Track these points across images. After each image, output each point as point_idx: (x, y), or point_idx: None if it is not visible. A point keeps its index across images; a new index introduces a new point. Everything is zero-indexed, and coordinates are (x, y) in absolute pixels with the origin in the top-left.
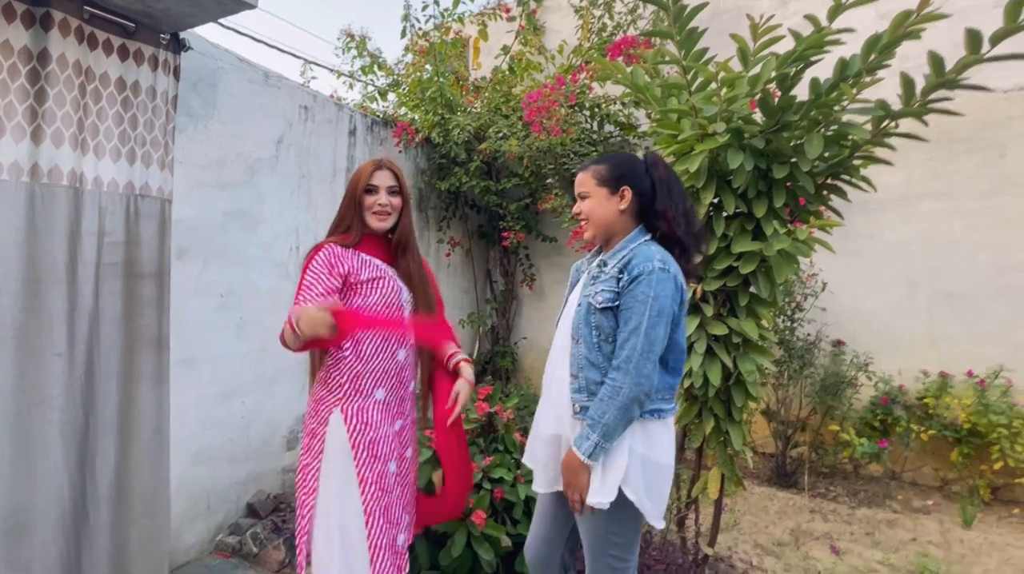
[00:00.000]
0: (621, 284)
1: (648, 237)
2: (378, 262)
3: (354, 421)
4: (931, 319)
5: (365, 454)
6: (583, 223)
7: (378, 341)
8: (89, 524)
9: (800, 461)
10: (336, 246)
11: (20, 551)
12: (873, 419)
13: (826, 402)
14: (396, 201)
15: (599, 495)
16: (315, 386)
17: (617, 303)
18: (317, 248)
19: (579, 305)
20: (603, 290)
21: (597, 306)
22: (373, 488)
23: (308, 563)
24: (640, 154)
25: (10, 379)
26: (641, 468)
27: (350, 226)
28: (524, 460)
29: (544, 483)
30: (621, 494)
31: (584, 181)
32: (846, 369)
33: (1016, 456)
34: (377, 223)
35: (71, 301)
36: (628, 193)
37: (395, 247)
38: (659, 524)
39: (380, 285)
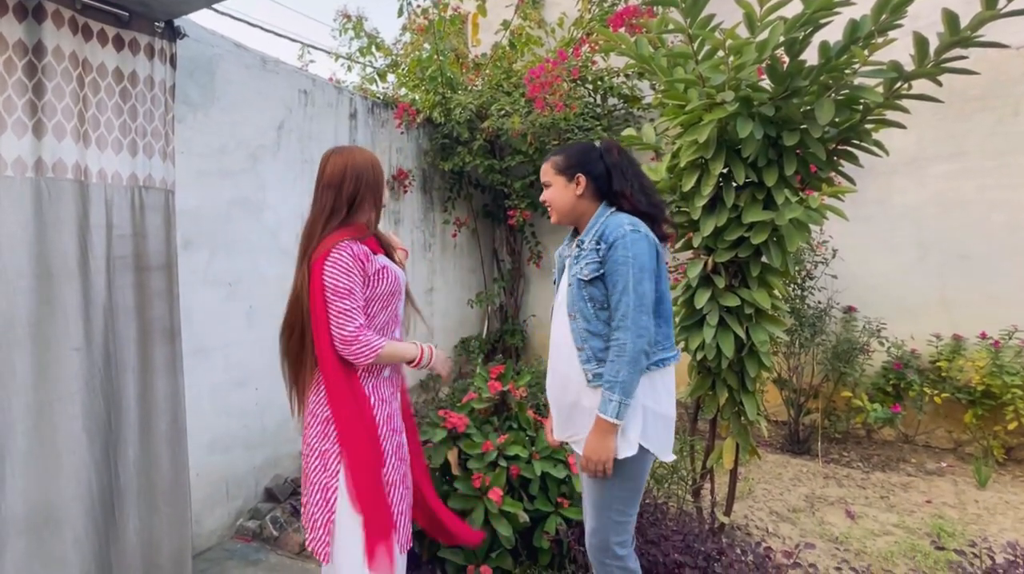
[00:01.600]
0: (601, 253)
1: (613, 210)
2: (372, 253)
3: (374, 399)
4: (943, 282)
5: (386, 429)
6: (549, 209)
7: (382, 327)
8: (117, 515)
9: (813, 428)
10: (352, 243)
11: (54, 545)
12: (886, 384)
13: (838, 369)
14: None
15: (623, 451)
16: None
17: (602, 271)
18: (333, 244)
19: (569, 285)
20: (587, 263)
21: (586, 279)
22: (393, 459)
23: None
24: (597, 142)
25: (30, 375)
26: (652, 420)
27: (360, 217)
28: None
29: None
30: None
31: (546, 171)
32: (858, 335)
33: None
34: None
35: (85, 295)
36: (583, 179)
37: (376, 232)
38: (669, 458)
39: (384, 275)
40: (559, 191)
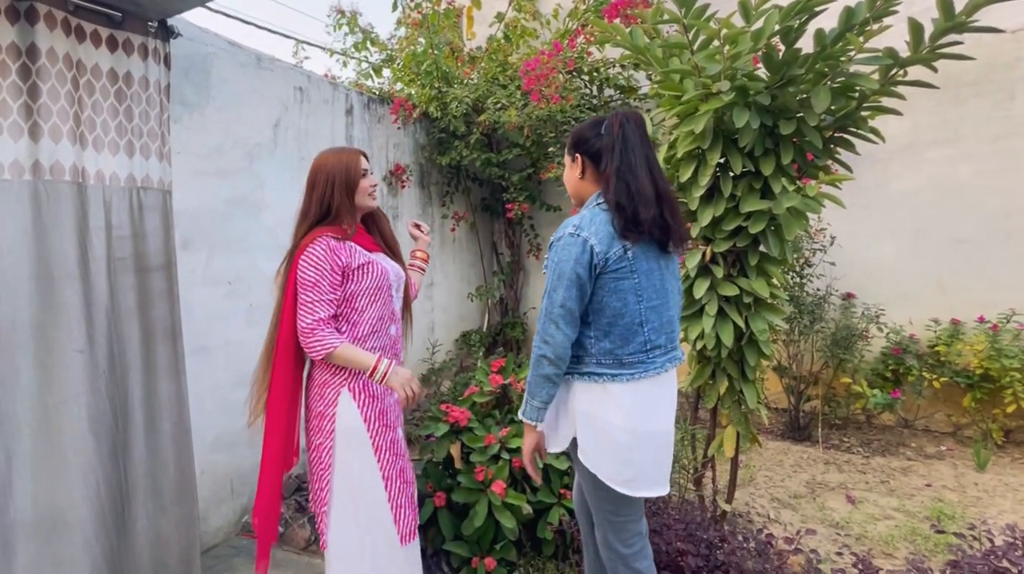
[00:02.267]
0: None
1: (596, 202)
2: (360, 248)
3: (363, 396)
4: (941, 267)
5: (378, 424)
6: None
7: (373, 321)
8: (126, 516)
9: (813, 414)
10: (329, 238)
11: (64, 547)
12: (885, 370)
13: (837, 355)
14: (376, 182)
15: (555, 445)
16: (315, 371)
17: None
18: (310, 239)
19: None
20: (546, 259)
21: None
22: (388, 454)
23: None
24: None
25: (34, 378)
26: (591, 430)
27: (341, 216)
28: None
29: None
30: (577, 448)
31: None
32: (857, 321)
33: None
34: (371, 202)
35: (86, 297)
36: (579, 158)
37: (379, 223)
38: (620, 489)
39: (369, 269)
40: (567, 172)
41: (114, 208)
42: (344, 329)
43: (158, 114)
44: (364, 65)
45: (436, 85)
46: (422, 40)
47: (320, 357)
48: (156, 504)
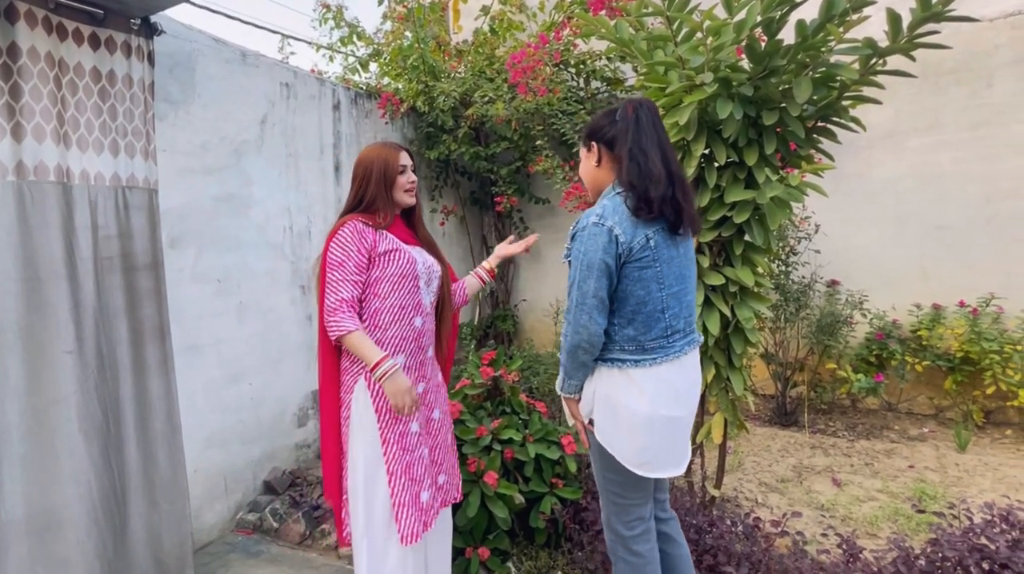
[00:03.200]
0: (570, 241)
1: (617, 191)
2: (392, 236)
3: (377, 386)
4: (922, 253)
5: (388, 416)
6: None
7: (395, 310)
8: (119, 515)
9: (799, 400)
10: (358, 222)
11: (57, 548)
12: (869, 355)
13: (823, 342)
14: (416, 179)
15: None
16: (341, 356)
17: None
18: (341, 223)
19: None
20: (566, 246)
21: (565, 261)
22: (395, 447)
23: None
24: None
25: (23, 380)
26: (610, 413)
27: (377, 207)
28: None
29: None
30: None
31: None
32: (841, 308)
33: (1007, 380)
34: (408, 199)
35: (74, 297)
36: (594, 147)
37: (416, 220)
38: (637, 470)
39: (396, 256)
40: (583, 164)
41: (100, 208)
42: (365, 315)
43: (142, 112)
44: (350, 60)
45: (423, 79)
46: (408, 34)
47: (334, 338)
48: (149, 502)
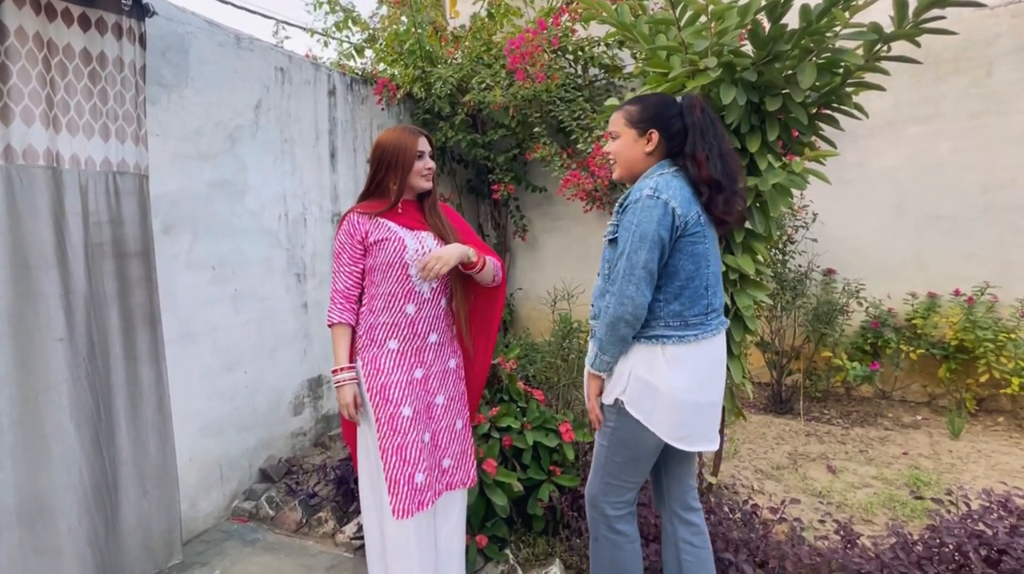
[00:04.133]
0: (617, 217)
1: (665, 170)
2: (391, 224)
3: (368, 367)
4: (919, 242)
5: (378, 398)
6: (612, 161)
7: (386, 297)
8: (110, 503)
9: (795, 388)
10: (355, 214)
11: (48, 536)
12: (864, 343)
13: (819, 330)
14: (434, 164)
15: (607, 397)
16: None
17: (617, 234)
18: (346, 215)
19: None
20: (610, 223)
21: (607, 238)
22: (386, 428)
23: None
24: (679, 97)
25: (13, 368)
26: (643, 390)
27: (389, 191)
28: None
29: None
30: (622, 416)
31: (616, 120)
32: (838, 297)
33: (1001, 368)
34: (425, 184)
35: (64, 284)
36: (655, 136)
37: (429, 207)
38: (677, 444)
39: (385, 245)
40: (627, 145)
41: (90, 193)
42: (364, 300)
43: (133, 96)
44: (346, 45)
45: (420, 65)
46: (404, 19)
47: (327, 325)
48: (139, 489)
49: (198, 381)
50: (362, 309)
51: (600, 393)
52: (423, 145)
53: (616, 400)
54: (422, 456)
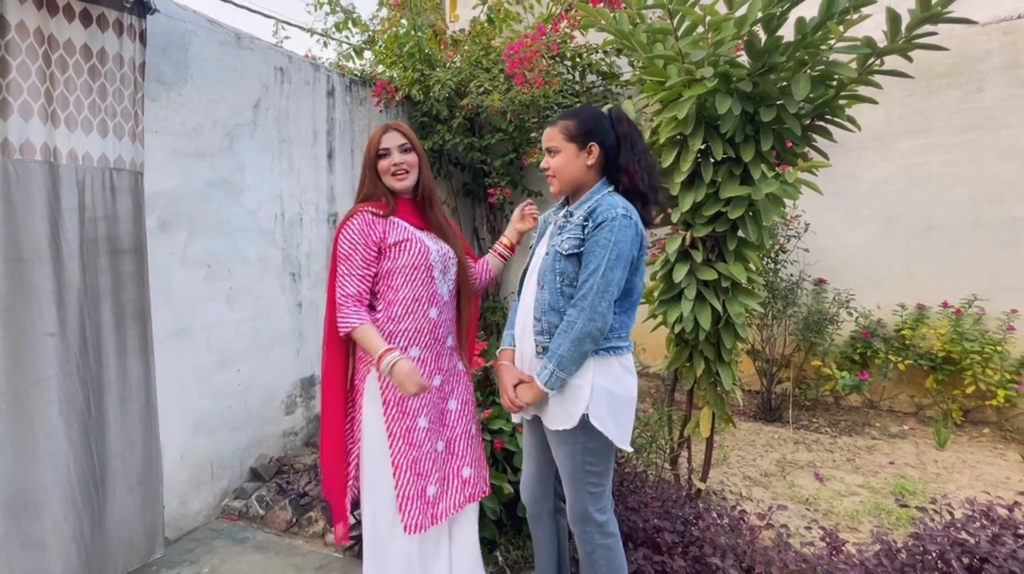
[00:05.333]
0: (586, 231)
1: (611, 189)
2: (405, 224)
3: (386, 378)
4: (909, 254)
5: (395, 410)
6: (550, 178)
7: (408, 302)
8: (97, 499)
9: (784, 396)
10: (368, 213)
11: (33, 529)
12: (853, 353)
13: (809, 339)
14: (411, 158)
15: (561, 423)
16: (351, 351)
17: (582, 249)
18: (350, 215)
19: (547, 254)
20: (569, 237)
21: (564, 252)
22: (401, 442)
23: (355, 506)
24: (605, 109)
25: (2, 362)
26: (606, 401)
27: (376, 194)
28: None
29: (517, 416)
30: (589, 430)
31: (552, 136)
32: (828, 306)
33: (987, 379)
34: (398, 183)
35: (58, 279)
36: (596, 149)
37: (421, 203)
38: (627, 448)
39: (407, 247)
40: (568, 159)
41: (87, 189)
42: (380, 307)
43: (132, 93)
44: (345, 46)
45: (419, 68)
46: (404, 22)
47: (343, 332)
48: (125, 484)
49: (191, 378)
50: (378, 316)
51: (533, 401)
52: (388, 141)
53: (582, 417)
54: (435, 467)
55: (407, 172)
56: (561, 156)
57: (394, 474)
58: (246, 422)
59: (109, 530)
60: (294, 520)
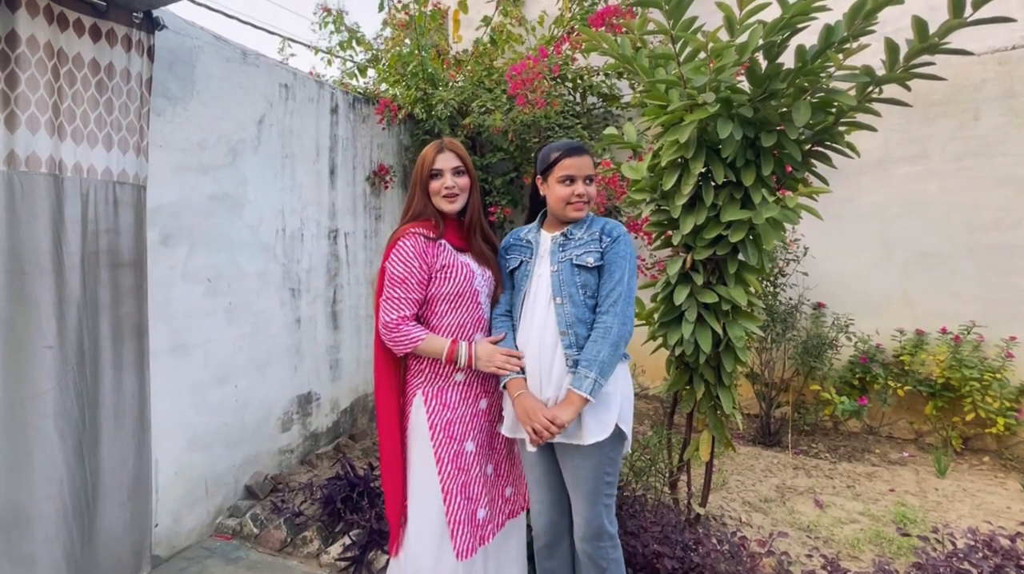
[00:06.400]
0: (604, 245)
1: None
2: (451, 248)
3: (433, 402)
4: (907, 279)
5: (441, 435)
6: (583, 204)
7: (453, 328)
8: (88, 514)
9: (783, 421)
10: (419, 235)
11: (23, 545)
12: (852, 378)
13: (808, 363)
14: (463, 181)
15: (596, 435)
16: (405, 371)
17: (602, 263)
18: (401, 234)
19: (555, 271)
20: (590, 251)
21: (589, 265)
22: (450, 467)
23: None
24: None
25: (0, 374)
26: (628, 406)
27: (426, 214)
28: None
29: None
30: (616, 437)
31: (590, 166)
32: (827, 331)
33: (986, 407)
34: (448, 206)
35: (58, 292)
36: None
37: (468, 228)
38: (629, 447)
39: (451, 272)
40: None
41: (91, 202)
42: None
43: (138, 107)
44: (349, 64)
45: (422, 86)
46: (408, 41)
47: (408, 350)
48: (115, 499)
49: (188, 394)
50: (427, 331)
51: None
52: (442, 162)
53: (616, 427)
54: (484, 490)
55: (458, 195)
56: (593, 186)
57: (444, 499)
58: (242, 439)
59: (98, 546)
60: (288, 540)
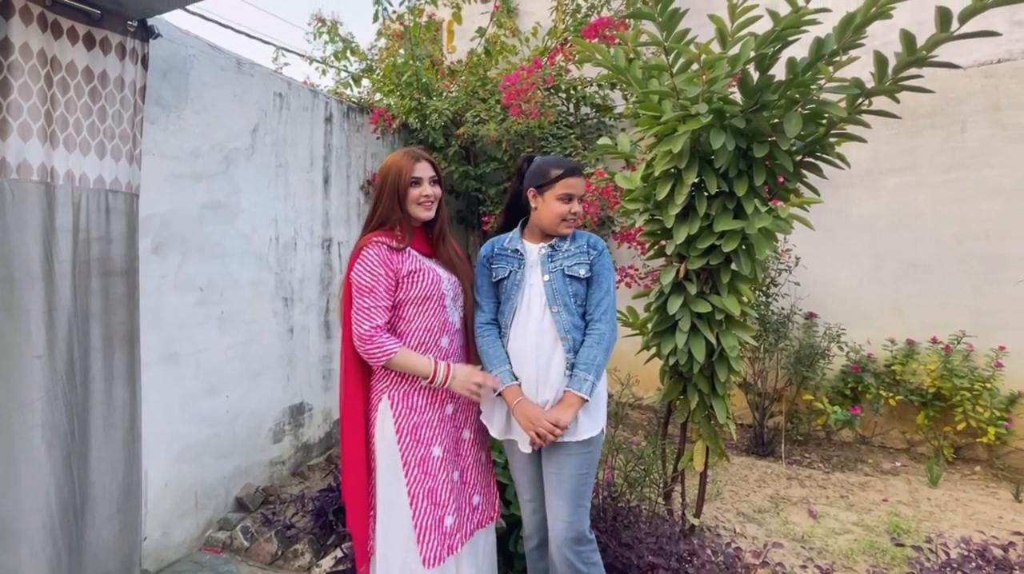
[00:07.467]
0: (591, 258)
1: None
2: (416, 253)
3: (400, 406)
4: (897, 289)
5: (408, 439)
6: (574, 222)
7: (421, 332)
8: (76, 528)
9: (776, 431)
10: (381, 244)
11: (8, 559)
12: (844, 387)
13: (800, 373)
14: (437, 191)
15: (588, 431)
16: (372, 375)
17: (591, 274)
18: (364, 244)
19: (547, 280)
20: (581, 263)
21: (580, 276)
22: (416, 471)
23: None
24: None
25: None
26: (606, 405)
27: (392, 221)
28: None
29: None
30: (598, 439)
31: (583, 186)
32: (819, 340)
33: (977, 417)
34: (424, 213)
35: (48, 301)
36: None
37: (436, 236)
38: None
39: (419, 277)
40: (535, 205)
41: (82, 210)
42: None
43: (131, 116)
44: (343, 74)
45: (416, 96)
46: (403, 52)
47: (381, 363)
48: (105, 513)
49: (178, 404)
50: (401, 343)
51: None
52: (421, 171)
53: (601, 428)
54: (451, 497)
55: (433, 203)
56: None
57: (411, 504)
58: (232, 450)
59: (86, 560)
60: (279, 553)
